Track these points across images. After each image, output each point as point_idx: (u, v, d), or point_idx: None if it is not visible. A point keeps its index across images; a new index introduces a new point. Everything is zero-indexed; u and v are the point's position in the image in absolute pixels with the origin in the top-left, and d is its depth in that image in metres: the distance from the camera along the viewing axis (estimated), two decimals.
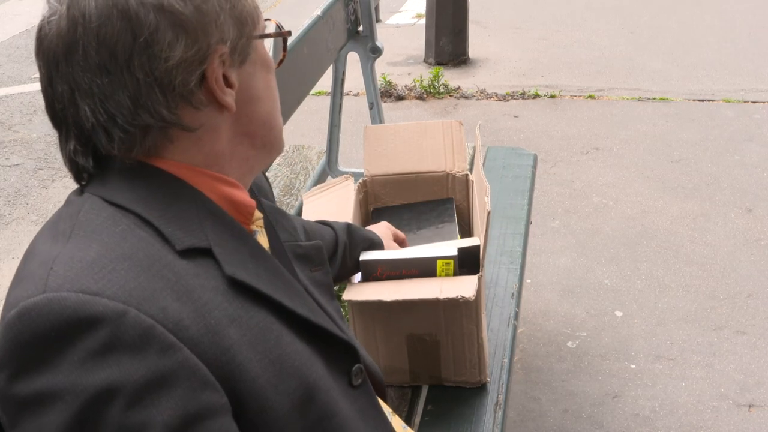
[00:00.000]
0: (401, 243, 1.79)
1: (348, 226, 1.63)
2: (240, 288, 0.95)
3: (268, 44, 1.11)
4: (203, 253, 0.94)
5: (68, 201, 0.99)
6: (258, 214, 1.11)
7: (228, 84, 0.99)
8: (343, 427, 1.03)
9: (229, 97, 0.98)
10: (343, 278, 1.64)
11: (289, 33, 1.12)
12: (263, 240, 1.11)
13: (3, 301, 0.89)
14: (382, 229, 1.77)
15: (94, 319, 0.81)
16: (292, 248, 1.19)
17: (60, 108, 0.96)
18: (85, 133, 0.95)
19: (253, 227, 1.09)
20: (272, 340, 0.96)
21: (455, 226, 1.96)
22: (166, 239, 0.92)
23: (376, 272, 1.63)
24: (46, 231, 0.96)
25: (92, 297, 0.82)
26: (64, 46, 0.92)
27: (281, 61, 1.14)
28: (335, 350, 1.08)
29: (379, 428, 1.14)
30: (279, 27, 1.09)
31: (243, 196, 1.05)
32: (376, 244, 1.67)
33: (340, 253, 1.57)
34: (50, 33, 0.93)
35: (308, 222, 1.52)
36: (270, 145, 1.08)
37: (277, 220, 1.19)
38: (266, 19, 1.08)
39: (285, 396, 0.95)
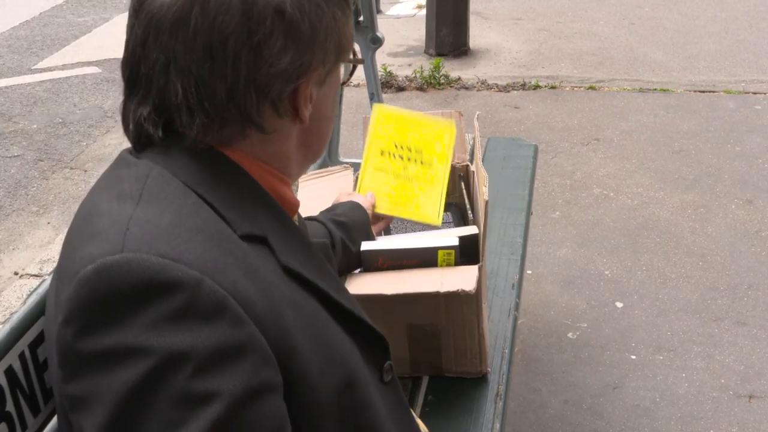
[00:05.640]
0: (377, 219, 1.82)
1: (333, 220, 1.61)
2: (292, 275, 0.98)
3: None
4: (259, 240, 0.96)
5: (126, 161, 0.99)
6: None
7: (310, 99, 1.01)
8: (375, 419, 1.04)
9: (308, 112, 1.00)
10: (346, 271, 1.65)
11: (362, 60, 1.14)
12: None
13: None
14: (359, 199, 1.77)
15: (173, 284, 0.82)
16: None
17: (146, 73, 0.94)
18: (166, 105, 0.94)
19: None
20: (321, 327, 0.98)
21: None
22: (227, 222, 0.93)
23: (377, 262, 1.63)
24: (107, 190, 0.95)
25: (171, 262, 0.83)
26: (174, 17, 0.91)
27: (344, 83, 1.15)
28: (370, 344, 1.10)
29: (406, 426, 1.16)
30: (354, 52, 1.12)
31: (291, 194, 1.08)
32: (364, 224, 1.68)
33: (339, 247, 1.57)
34: (159, 1, 0.92)
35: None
36: (314, 159, 1.12)
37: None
38: None
39: (330, 382, 0.96)
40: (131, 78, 0.96)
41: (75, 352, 0.82)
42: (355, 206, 1.70)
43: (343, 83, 1.14)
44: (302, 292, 0.98)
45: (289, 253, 0.99)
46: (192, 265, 0.83)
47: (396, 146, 1.87)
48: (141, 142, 0.97)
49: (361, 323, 1.08)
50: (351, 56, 1.10)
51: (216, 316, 0.83)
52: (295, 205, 1.09)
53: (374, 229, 1.75)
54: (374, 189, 1.82)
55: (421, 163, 1.86)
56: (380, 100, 3.16)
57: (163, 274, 0.82)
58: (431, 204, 1.82)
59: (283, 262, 0.97)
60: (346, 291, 1.10)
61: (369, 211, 1.74)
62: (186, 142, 0.95)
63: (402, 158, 1.86)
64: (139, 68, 0.94)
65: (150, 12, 0.92)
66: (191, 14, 0.90)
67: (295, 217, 1.14)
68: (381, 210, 1.80)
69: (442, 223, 1.84)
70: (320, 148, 1.10)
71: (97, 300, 0.82)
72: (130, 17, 0.96)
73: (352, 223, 1.63)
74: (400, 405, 1.15)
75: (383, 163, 1.85)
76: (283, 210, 1.03)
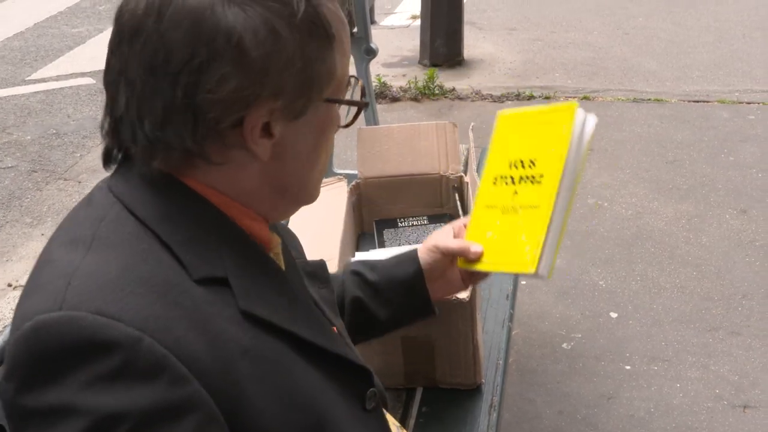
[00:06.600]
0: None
1: (359, 273, 1.41)
2: (255, 319, 0.93)
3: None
4: (220, 282, 0.92)
5: (92, 200, 0.96)
6: (276, 238, 1.08)
7: (269, 134, 0.93)
8: None
9: (260, 147, 0.93)
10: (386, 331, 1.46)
11: (367, 104, 1.07)
12: (280, 262, 1.08)
13: None
14: (428, 245, 1.39)
15: (110, 344, 0.80)
16: (301, 265, 1.17)
17: (109, 81, 0.93)
18: (114, 118, 0.92)
19: (271, 254, 1.06)
20: (284, 373, 0.94)
21: None
22: (184, 266, 0.89)
23: None
24: (65, 231, 0.93)
25: (109, 320, 0.80)
26: (132, 28, 0.89)
27: (348, 125, 1.08)
28: (350, 375, 1.06)
29: None
30: (363, 89, 1.06)
31: (264, 232, 1.03)
32: (410, 281, 1.38)
33: (348, 306, 1.39)
34: (129, 8, 0.91)
35: None
36: (299, 201, 1.05)
37: (287, 240, 1.17)
38: (351, 76, 1.03)
39: (293, 429, 0.93)
40: (105, 86, 0.95)
41: (17, 407, 0.82)
42: (404, 260, 1.39)
43: (345, 126, 1.06)
44: (264, 337, 0.93)
45: (254, 294, 0.94)
46: (131, 323, 0.81)
47: (510, 165, 1.29)
48: (109, 158, 0.96)
49: (338, 359, 1.03)
50: (349, 97, 1.03)
51: (154, 375, 0.80)
52: (269, 243, 1.04)
53: (465, 283, 1.40)
54: (477, 236, 1.31)
55: (532, 180, 1.23)
56: (374, 111, 3.16)
57: (100, 334, 0.80)
58: (531, 241, 1.19)
59: (243, 307, 0.91)
60: (323, 323, 1.06)
61: (439, 263, 1.36)
62: (142, 167, 0.92)
63: (513, 181, 1.27)
64: (108, 76, 0.93)
65: (120, 19, 0.92)
66: (145, 26, 0.88)
67: (277, 246, 1.08)
68: (477, 266, 1.28)
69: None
70: (299, 191, 1.03)
71: (34, 358, 0.81)
72: (113, 24, 0.95)
73: (385, 283, 1.39)
74: (382, 430, 1.13)
75: (494, 197, 1.31)
76: (253, 244, 0.99)
